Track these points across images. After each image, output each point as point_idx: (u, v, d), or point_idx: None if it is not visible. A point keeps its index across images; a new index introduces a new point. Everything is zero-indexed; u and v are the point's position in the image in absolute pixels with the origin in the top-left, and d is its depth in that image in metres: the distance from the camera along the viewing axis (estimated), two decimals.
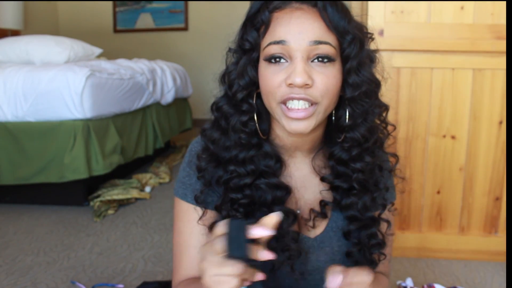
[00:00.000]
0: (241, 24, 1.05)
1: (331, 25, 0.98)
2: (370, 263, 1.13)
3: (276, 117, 1.03)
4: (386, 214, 1.18)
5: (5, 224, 2.99)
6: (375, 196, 1.11)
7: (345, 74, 1.02)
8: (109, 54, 5.49)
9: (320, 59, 0.97)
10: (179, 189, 1.19)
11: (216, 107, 1.10)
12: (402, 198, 2.39)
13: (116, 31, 6.85)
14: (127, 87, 3.74)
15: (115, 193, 3.38)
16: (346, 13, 1.00)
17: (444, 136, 2.31)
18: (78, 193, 3.37)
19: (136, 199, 3.51)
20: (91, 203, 3.28)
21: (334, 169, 1.12)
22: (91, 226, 2.96)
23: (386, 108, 1.12)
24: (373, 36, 1.07)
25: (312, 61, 0.98)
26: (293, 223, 1.09)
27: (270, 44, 0.98)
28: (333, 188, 1.12)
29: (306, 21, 0.97)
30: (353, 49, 1.00)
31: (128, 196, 3.41)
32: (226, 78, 1.08)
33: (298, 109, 0.97)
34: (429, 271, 2.29)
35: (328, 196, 1.14)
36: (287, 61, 0.98)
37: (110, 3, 6.79)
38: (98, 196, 3.37)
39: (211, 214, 1.13)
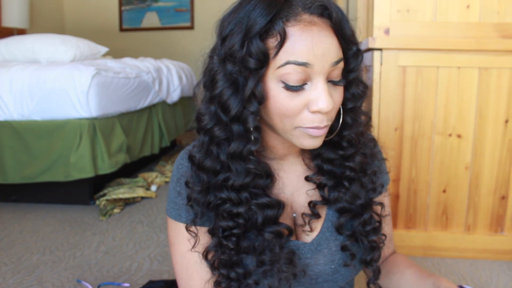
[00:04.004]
0: (237, 32, 0.92)
1: (341, 37, 0.94)
2: (372, 250, 1.13)
3: (286, 135, 0.98)
4: (379, 198, 1.19)
5: (11, 223, 3.00)
6: (364, 181, 1.10)
7: (346, 84, 1.00)
8: (115, 53, 5.51)
9: (334, 82, 0.95)
10: (172, 210, 1.14)
11: (205, 131, 1.00)
12: (408, 197, 2.39)
13: (122, 29, 6.86)
14: (133, 86, 3.74)
15: (121, 192, 3.39)
16: (349, 22, 0.96)
17: (450, 135, 2.30)
18: (84, 192, 3.38)
19: (142, 198, 3.52)
20: (97, 202, 3.29)
21: (319, 167, 1.10)
22: (97, 225, 2.97)
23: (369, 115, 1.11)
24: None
25: (328, 81, 0.94)
26: (288, 238, 1.07)
27: (289, 63, 0.89)
28: (319, 186, 1.11)
29: (326, 40, 0.90)
30: (357, 62, 0.99)
31: (134, 195, 3.41)
32: (217, 98, 0.96)
33: (319, 128, 0.94)
34: (435, 270, 2.28)
35: (315, 194, 1.13)
36: (305, 83, 0.91)
37: (116, 1, 6.80)
38: (104, 195, 3.38)
39: (205, 237, 1.09)
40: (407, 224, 2.42)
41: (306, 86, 0.91)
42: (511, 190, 2.34)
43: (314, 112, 0.92)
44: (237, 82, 0.94)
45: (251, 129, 0.94)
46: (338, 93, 0.96)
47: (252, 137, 0.96)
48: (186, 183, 1.07)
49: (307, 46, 0.88)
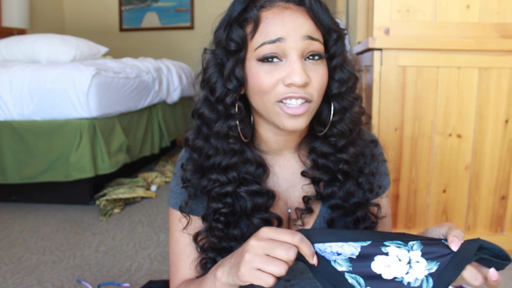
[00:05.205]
0: (223, 23, 1.03)
1: (319, 23, 1.00)
2: None
3: (270, 116, 1.02)
4: (377, 200, 1.20)
5: (11, 223, 3.00)
6: (360, 181, 1.12)
7: (331, 71, 1.04)
8: (115, 53, 5.50)
9: (311, 57, 0.99)
10: (171, 198, 1.20)
11: (197, 114, 1.08)
12: (408, 197, 2.39)
13: (122, 29, 6.84)
14: (133, 86, 3.74)
15: (121, 192, 3.39)
16: (329, 11, 1.02)
17: (450, 135, 2.30)
18: (84, 192, 3.38)
19: (142, 198, 3.52)
20: (97, 202, 3.30)
21: (314, 162, 1.13)
22: (97, 225, 2.97)
23: (361, 99, 1.13)
24: (346, 32, 1.07)
25: (305, 59, 0.98)
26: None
27: (264, 44, 0.96)
28: (314, 181, 1.13)
29: (298, 19, 0.97)
30: (339, 47, 1.04)
31: (134, 195, 3.41)
32: (205, 82, 1.06)
33: (296, 107, 0.98)
34: None
35: (311, 190, 1.14)
36: (281, 60, 0.97)
37: (116, 1, 6.78)
38: (104, 195, 3.38)
39: (199, 222, 1.13)
40: (407, 224, 2.42)
41: (281, 63, 0.98)
42: (511, 190, 2.34)
43: (289, 85, 0.96)
44: (223, 68, 1.03)
45: (229, 104, 1.02)
46: (318, 71, 1.00)
47: (233, 113, 1.03)
48: (182, 165, 1.13)
49: (278, 25, 0.97)
